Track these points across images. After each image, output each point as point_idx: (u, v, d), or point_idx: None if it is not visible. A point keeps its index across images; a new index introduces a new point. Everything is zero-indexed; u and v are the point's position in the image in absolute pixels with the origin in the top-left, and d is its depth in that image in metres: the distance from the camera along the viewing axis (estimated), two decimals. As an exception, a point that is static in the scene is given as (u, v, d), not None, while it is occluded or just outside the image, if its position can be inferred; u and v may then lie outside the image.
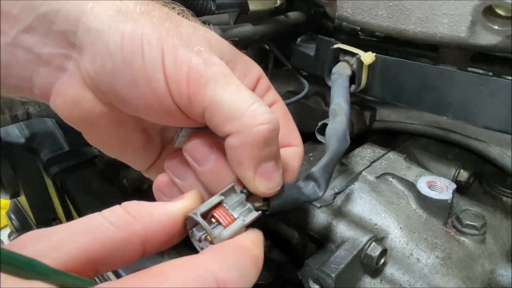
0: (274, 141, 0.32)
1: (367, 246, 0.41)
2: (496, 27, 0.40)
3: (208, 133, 0.34)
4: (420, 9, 0.45)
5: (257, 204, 0.33)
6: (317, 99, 0.69)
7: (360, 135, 0.63)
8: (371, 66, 0.50)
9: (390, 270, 0.42)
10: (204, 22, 0.38)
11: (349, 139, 0.40)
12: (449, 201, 0.44)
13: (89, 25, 0.31)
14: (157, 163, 0.40)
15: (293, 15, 0.66)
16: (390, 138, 0.65)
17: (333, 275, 0.38)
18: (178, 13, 0.35)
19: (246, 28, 0.60)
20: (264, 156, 0.31)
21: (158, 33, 0.31)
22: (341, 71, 0.50)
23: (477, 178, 0.57)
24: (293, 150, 0.39)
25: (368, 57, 0.49)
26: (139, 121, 0.36)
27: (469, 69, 0.51)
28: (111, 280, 0.56)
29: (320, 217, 0.47)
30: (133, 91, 0.31)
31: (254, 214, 0.32)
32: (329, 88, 0.50)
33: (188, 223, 0.30)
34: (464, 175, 0.55)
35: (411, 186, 0.48)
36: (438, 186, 0.46)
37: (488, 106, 0.42)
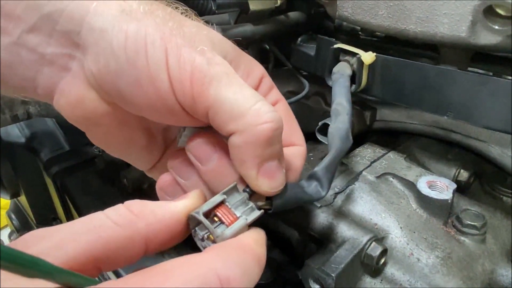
0: (278, 140, 0.32)
1: (367, 246, 0.41)
2: (496, 27, 0.40)
3: (211, 132, 0.34)
4: (420, 9, 0.45)
5: (260, 203, 0.33)
6: (318, 99, 0.69)
7: (360, 135, 0.63)
8: (371, 66, 0.50)
9: (391, 270, 0.42)
10: (205, 22, 0.38)
11: (352, 139, 0.40)
12: (449, 201, 0.44)
13: (92, 25, 0.31)
14: (160, 162, 0.40)
15: (293, 15, 0.66)
16: (391, 138, 0.65)
17: (333, 275, 0.38)
18: (182, 13, 0.36)
19: (247, 28, 0.60)
20: (267, 155, 0.31)
21: (162, 33, 0.31)
22: (341, 71, 0.50)
23: (477, 178, 0.57)
24: (296, 149, 0.39)
25: (368, 57, 0.49)
26: (142, 120, 0.36)
27: (469, 69, 0.51)
28: (111, 279, 0.56)
29: (321, 217, 0.47)
30: (136, 91, 0.31)
31: (257, 213, 0.32)
32: (329, 88, 0.50)
33: (191, 222, 0.30)
34: (464, 175, 0.55)
35: (412, 186, 0.48)
36: (439, 186, 0.46)
37: (488, 106, 0.42)
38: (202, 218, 0.29)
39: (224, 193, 0.31)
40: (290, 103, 0.50)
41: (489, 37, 0.41)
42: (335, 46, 0.52)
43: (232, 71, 0.32)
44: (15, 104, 0.74)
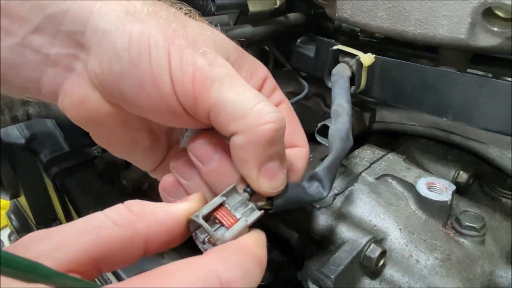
0: (280, 141, 0.32)
1: (366, 247, 0.42)
2: (495, 29, 0.40)
3: (213, 133, 0.34)
4: (419, 10, 0.45)
5: (260, 203, 0.33)
6: (317, 100, 0.69)
7: (360, 136, 0.63)
8: (370, 68, 0.50)
9: (390, 271, 0.42)
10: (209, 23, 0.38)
11: (352, 139, 0.40)
12: (448, 203, 0.44)
13: (96, 26, 0.31)
14: (164, 163, 0.40)
15: (292, 16, 0.66)
16: (390, 139, 0.65)
17: (332, 277, 0.38)
18: (185, 13, 0.36)
19: (246, 29, 0.60)
20: (268, 155, 0.31)
21: (165, 34, 0.31)
22: (341, 72, 0.50)
23: (476, 180, 0.57)
24: (298, 151, 0.38)
25: (367, 59, 0.49)
26: (145, 121, 0.36)
27: (468, 70, 0.51)
28: (111, 281, 0.56)
29: (320, 218, 0.47)
30: (139, 92, 0.31)
31: (257, 214, 0.32)
32: (328, 89, 0.50)
33: (191, 225, 0.30)
34: (463, 176, 0.55)
35: (411, 188, 0.48)
36: (438, 187, 0.46)
37: (487, 107, 0.42)
38: (202, 221, 0.29)
39: (224, 195, 0.31)
40: (289, 104, 0.49)
41: (488, 39, 0.41)
42: (335, 47, 0.52)
43: (234, 72, 0.32)
44: (14, 105, 0.74)
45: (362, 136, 0.64)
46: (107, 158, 0.72)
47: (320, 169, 0.36)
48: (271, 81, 0.40)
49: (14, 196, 0.96)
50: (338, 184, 0.50)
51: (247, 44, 0.62)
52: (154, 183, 0.38)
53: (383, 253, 0.42)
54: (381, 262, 0.42)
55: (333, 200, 0.48)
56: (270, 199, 0.34)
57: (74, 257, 0.24)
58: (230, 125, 0.31)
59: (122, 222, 0.26)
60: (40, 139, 0.84)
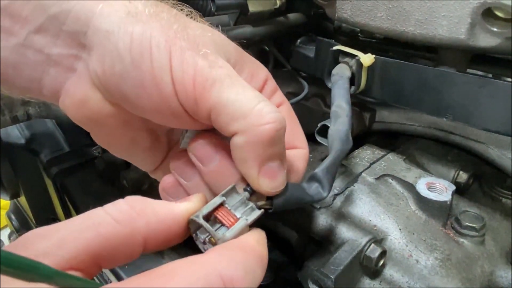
0: (280, 141, 0.32)
1: (366, 247, 0.42)
2: (495, 29, 0.40)
3: (213, 134, 0.34)
4: (419, 11, 0.45)
5: (260, 203, 0.33)
6: (317, 101, 0.69)
7: (359, 136, 0.63)
8: (370, 68, 0.50)
9: (389, 271, 0.42)
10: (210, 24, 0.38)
11: (352, 140, 0.40)
12: (448, 203, 0.44)
13: (98, 26, 0.31)
14: (164, 164, 0.41)
15: (292, 16, 0.66)
16: (390, 140, 0.65)
17: (332, 277, 0.38)
18: (187, 15, 0.36)
19: (246, 30, 0.60)
20: (269, 155, 0.32)
21: (166, 36, 0.31)
22: (341, 73, 0.50)
23: (476, 180, 0.57)
24: (298, 152, 0.39)
25: (367, 59, 0.49)
26: (146, 122, 0.37)
27: (468, 71, 0.51)
28: (111, 280, 0.56)
29: (320, 218, 0.47)
30: (140, 93, 0.32)
31: (257, 213, 0.32)
32: (328, 89, 0.50)
33: (192, 226, 0.30)
34: (463, 176, 0.55)
35: (411, 188, 0.48)
36: (438, 187, 0.46)
37: (487, 108, 0.42)
38: (202, 221, 0.29)
39: (223, 195, 0.31)
40: (289, 105, 0.49)
41: (488, 39, 0.41)
42: (335, 48, 0.52)
43: (235, 73, 0.33)
44: (15, 105, 0.74)
45: (362, 136, 0.64)
46: (107, 158, 0.72)
47: (319, 170, 0.36)
48: (271, 83, 0.40)
49: (14, 196, 0.96)
50: (338, 184, 0.50)
51: (247, 44, 0.62)
52: (154, 184, 0.38)
53: (383, 253, 0.42)
54: (381, 262, 0.42)
55: (333, 200, 0.48)
56: (270, 198, 0.34)
57: (75, 254, 0.24)
58: (230, 125, 0.31)
59: (122, 218, 0.27)
60: (40, 139, 0.84)
